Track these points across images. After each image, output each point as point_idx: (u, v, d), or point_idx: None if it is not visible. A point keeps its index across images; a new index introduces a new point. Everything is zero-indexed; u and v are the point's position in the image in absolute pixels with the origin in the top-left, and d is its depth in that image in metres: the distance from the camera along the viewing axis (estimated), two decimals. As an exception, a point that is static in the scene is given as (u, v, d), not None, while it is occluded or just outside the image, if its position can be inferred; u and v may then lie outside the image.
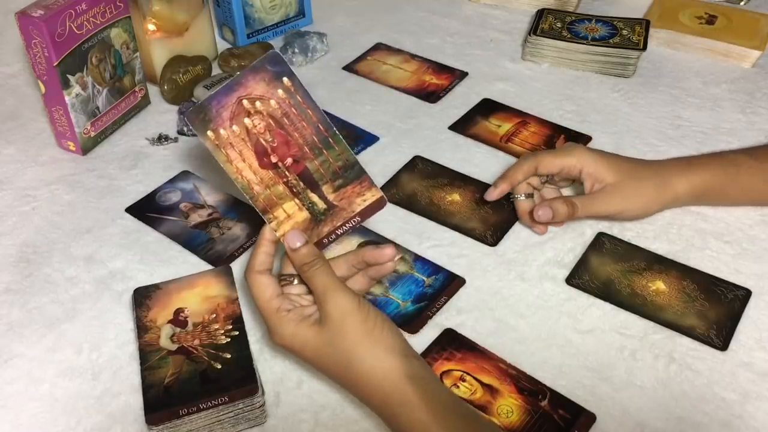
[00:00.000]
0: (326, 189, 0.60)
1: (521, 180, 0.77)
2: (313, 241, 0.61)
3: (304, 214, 0.60)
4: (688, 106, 0.98)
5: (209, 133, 0.58)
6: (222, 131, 0.58)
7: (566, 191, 0.83)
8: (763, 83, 1.02)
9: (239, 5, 1.08)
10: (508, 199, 0.79)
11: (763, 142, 0.91)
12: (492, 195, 0.78)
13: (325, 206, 0.60)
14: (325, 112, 0.63)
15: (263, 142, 0.58)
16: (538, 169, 0.76)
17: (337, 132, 0.59)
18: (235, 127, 0.58)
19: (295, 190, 0.60)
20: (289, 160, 0.59)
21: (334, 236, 0.61)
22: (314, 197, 0.60)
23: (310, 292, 0.61)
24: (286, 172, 0.59)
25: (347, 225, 0.61)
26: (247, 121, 0.58)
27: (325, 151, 0.59)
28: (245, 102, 0.57)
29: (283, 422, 0.63)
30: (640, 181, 0.76)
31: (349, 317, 0.56)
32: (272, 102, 0.58)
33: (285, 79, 0.57)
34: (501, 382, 0.65)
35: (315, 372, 0.66)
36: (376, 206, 0.61)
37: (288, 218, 0.60)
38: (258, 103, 0.58)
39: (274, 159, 0.59)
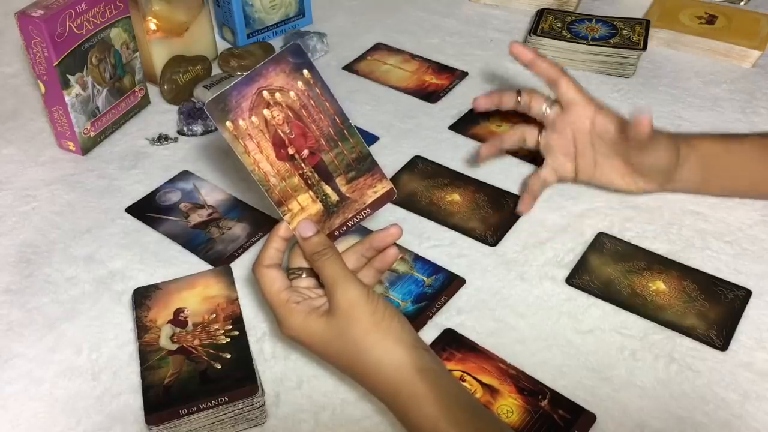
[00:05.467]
0: (340, 181, 0.61)
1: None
2: (325, 233, 0.61)
3: (318, 206, 0.61)
4: (688, 106, 0.98)
5: (228, 123, 0.57)
6: (241, 122, 0.58)
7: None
8: (763, 83, 1.02)
9: (239, 5, 1.08)
10: (506, 199, 0.79)
11: (763, 142, 0.91)
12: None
13: (338, 198, 0.61)
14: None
15: (281, 134, 0.59)
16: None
17: (352, 124, 0.60)
18: (254, 118, 0.58)
19: (309, 182, 0.60)
20: (306, 152, 0.59)
21: (345, 228, 0.62)
22: (328, 189, 0.61)
23: (319, 285, 0.61)
24: (302, 164, 0.60)
25: (358, 217, 0.62)
26: (266, 112, 0.58)
27: (340, 143, 0.60)
28: (265, 93, 0.57)
29: (283, 422, 0.63)
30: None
31: (358, 308, 0.56)
32: (292, 93, 0.58)
33: (305, 71, 0.58)
34: (501, 382, 0.65)
35: (315, 372, 0.66)
36: (386, 198, 0.61)
37: (302, 210, 0.60)
38: (278, 95, 0.58)
39: (291, 151, 0.59)
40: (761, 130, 0.87)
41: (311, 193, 0.60)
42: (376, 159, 0.61)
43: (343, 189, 0.61)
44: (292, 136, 0.59)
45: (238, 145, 0.58)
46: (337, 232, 0.62)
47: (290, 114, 0.58)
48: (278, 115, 0.58)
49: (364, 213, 0.62)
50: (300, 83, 0.58)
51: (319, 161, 0.60)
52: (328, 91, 0.59)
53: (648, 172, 0.78)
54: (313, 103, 0.58)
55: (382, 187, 0.61)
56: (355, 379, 0.59)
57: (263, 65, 0.57)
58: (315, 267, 0.59)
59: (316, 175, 0.60)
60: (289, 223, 0.60)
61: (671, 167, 0.77)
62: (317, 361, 0.67)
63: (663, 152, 0.75)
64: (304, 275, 0.62)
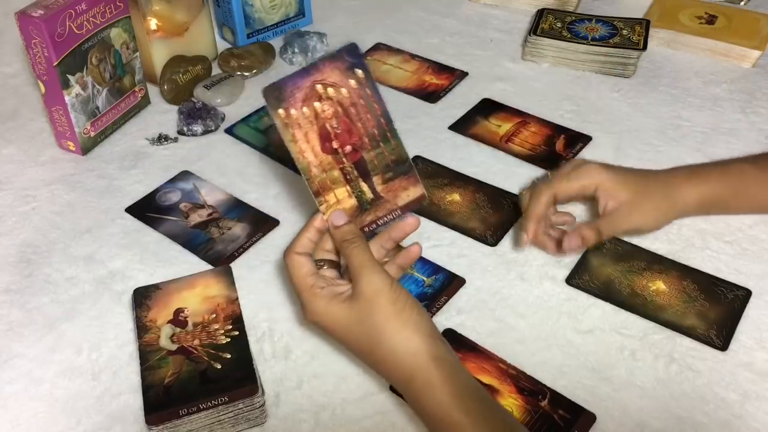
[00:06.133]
0: (376, 180, 0.62)
1: (544, 212, 0.75)
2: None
3: (353, 201, 0.62)
4: (688, 106, 0.98)
5: (280, 111, 0.59)
6: (293, 111, 0.59)
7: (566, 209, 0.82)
8: (763, 83, 1.02)
9: (239, 5, 1.08)
10: (506, 199, 0.79)
11: (763, 141, 0.91)
12: (525, 242, 0.75)
13: (372, 196, 0.62)
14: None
15: (328, 128, 0.60)
16: (557, 198, 0.75)
17: (395, 127, 0.61)
18: (305, 109, 0.59)
19: (348, 177, 0.62)
20: (349, 148, 0.61)
21: (374, 225, 0.63)
22: (364, 186, 0.62)
23: (341, 276, 0.63)
24: (344, 159, 0.61)
25: (388, 216, 0.63)
26: (317, 104, 0.60)
27: (382, 144, 0.61)
28: (318, 87, 0.59)
29: (283, 422, 0.63)
30: (652, 196, 0.74)
31: (381, 295, 0.57)
32: (344, 90, 0.60)
33: (359, 71, 0.59)
34: (501, 382, 0.65)
35: (315, 372, 0.66)
36: (417, 202, 0.63)
37: (337, 203, 0.62)
38: (330, 90, 0.59)
39: (335, 145, 0.61)
40: (749, 154, 0.85)
41: (348, 187, 0.62)
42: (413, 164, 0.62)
43: (379, 188, 0.62)
44: (339, 131, 0.61)
45: (287, 132, 0.60)
46: (366, 229, 0.63)
47: (339, 110, 0.60)
48: (328, 109, 0.60)
49: (395, 214, 0.63)
50: (353, 81, 0.60)
51: (360, 158, 0.61)
52: (377, 93, 0.60)
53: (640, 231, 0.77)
54: (362, 102, 0.60)
55: (415, 192, 0.63)
56: (371, 364, 0.60)
57: (320, 59, 0.59)
58: (344, 254, 0.61)
59: (355, 171, 0.62)
60: (323, 214, 0.62)
61: (663, 220, 0.76)
62: (317, 360, 0.67)
63: (649, 213, 0.74)
64: (326, 267, 0.63)
